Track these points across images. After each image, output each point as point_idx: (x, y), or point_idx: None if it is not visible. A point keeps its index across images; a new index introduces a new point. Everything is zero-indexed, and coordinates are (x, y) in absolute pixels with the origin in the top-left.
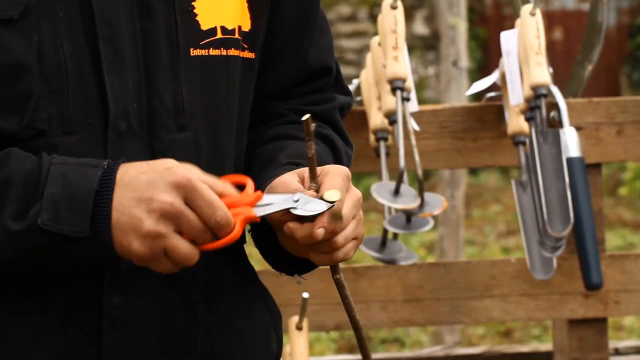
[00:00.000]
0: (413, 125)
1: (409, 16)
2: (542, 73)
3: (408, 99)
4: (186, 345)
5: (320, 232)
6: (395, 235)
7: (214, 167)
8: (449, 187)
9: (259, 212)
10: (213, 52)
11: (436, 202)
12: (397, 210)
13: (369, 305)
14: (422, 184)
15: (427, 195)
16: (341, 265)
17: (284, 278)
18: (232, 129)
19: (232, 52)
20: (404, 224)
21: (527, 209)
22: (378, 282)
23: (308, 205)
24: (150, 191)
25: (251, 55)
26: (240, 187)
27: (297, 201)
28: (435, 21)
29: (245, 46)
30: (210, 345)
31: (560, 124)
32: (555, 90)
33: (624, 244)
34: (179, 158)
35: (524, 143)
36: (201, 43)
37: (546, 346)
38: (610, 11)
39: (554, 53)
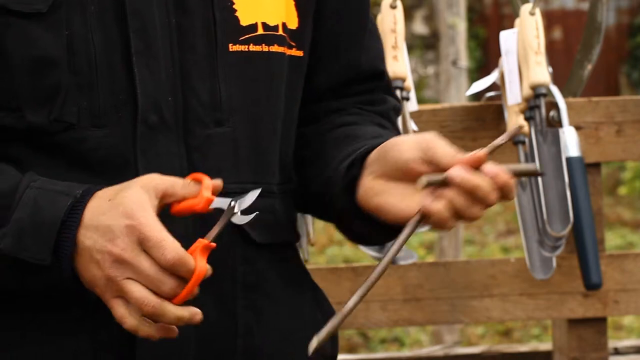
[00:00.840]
0: (412, 125)
1: (408, 16)
2: (541, 72)
3: (407, 99)
4: (225, 345)
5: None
6: None
7: (256, 163)
8: None
9: (209, 236)
10: (253, 47)
11: None
12: None
13: (368, 304)
14: None
15: None
16: (340, 264)
17: None
18: (275, 126)
19: (275, 48)
20: None
21: (526, 209)
22: (377, 282)
23: (244, 203)
24: (107, 235)
25: (299, 53)
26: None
27: (233, 205)
28: (434, 21)
29: (293, 44)
30: (251, 346)
31: (559, 124)
32: (554, 89)
33: (624, 243)
34: (216, 152)
35: (523, 142)
36: (240, 39)
37: (546, 346)
38: (609, 11)
39: (553, 52)
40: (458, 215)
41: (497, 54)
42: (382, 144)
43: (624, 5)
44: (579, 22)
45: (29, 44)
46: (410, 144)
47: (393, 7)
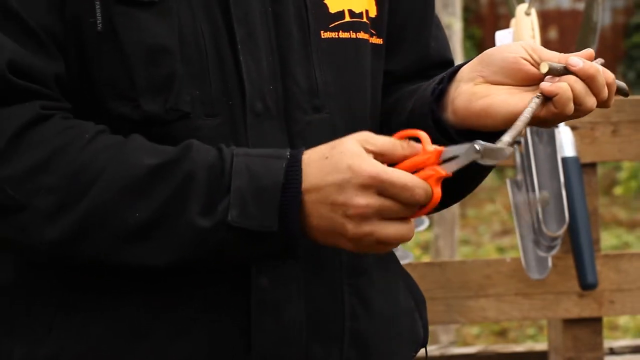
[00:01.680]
0: None
1: None
2: None
3: None
4: (334, 328)
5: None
6: None
7: None
8: None
9: (448, 168)
10: (343, 34)
11: None
12: None
13: None
14: None
15: None
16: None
17: None
18: (365, 112)
19: (362, 35)
20: None
21: (522, 209)
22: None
23: (493, 151)
24: (342, 196)
25: (379, 41)
26: (415, 140)
27: (479, 151)
28: None
29: (374, 32)
30: (357, 329)
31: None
32: None
33: (619, 243)
34: (316, 139)
35: (519, 143)
36: (330, 26)
37: (541, 346)
38: (605, 11)
39: None
40: (576, 101)
41: None
42: (481, 54)
43: (620, 5)
44: (575, 22)
45: (143, 33)
46: (516, 45)
47: None
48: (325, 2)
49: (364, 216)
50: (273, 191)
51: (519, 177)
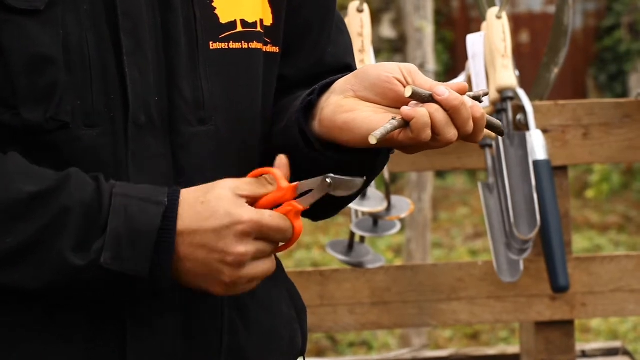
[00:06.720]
0: None
1: (375, 19)
2: (508, 76)
3: None
4: (212, 342)
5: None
6: (363, 239)
7: (240, 161)
8: (416, 190)
9: (305, 202)
10: (233, 45)
11: (403, 205)
12: (364, 214)
13: (336, 308)
14: (389, 187)
15: (394, 198)
16: (308, 268)
17: None
18: (255, 123)
19: (255, 45)
20: (371, 227)
21: (494, 212)
22: (345, 285)
23: (343, 184)
24: (221, 242)
25: (275, 49)
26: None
27: (330, 184)
28: (402, 24)
29: (269, 40)
30: (236, 342)
31: (526, 127)
32: (521, 92)
33: (591, 246)
34: (200, 151)
35: (490, 146)
36: (220, 36)
37: (513, 348)
38: (576, 14)
39: (520, 56)
40: (435, 131)
41: (465, 57)
42: (360, 68)
43: (591, 8)
44: (546, 25)
45: (26, 41)
46: (393, 65)
47: (360, 10)
48: (216, 12)
49: (242, 263)
50: (148, 238)
51: (491, 180)
